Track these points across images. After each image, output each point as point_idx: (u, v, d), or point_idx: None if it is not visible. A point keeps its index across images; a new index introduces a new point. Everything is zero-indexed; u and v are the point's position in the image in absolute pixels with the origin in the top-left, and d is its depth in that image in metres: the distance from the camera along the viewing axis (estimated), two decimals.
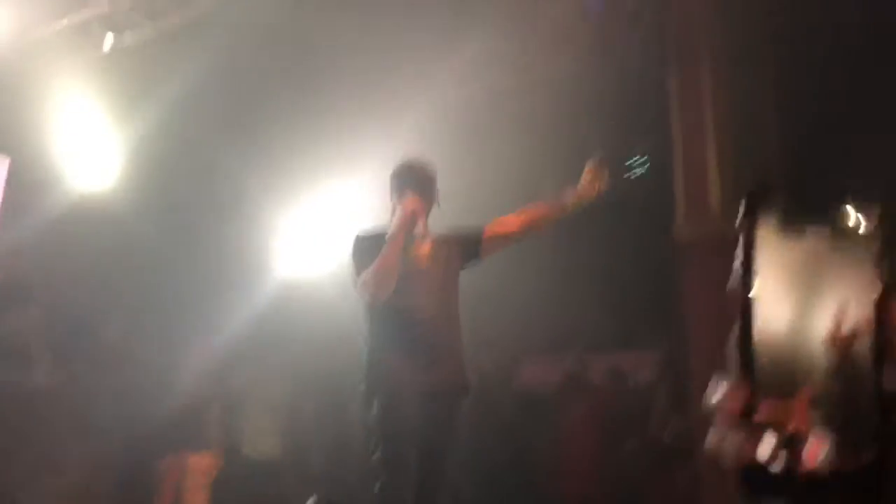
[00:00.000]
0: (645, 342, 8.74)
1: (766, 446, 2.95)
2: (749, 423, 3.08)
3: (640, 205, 8.20)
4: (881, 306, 2.94)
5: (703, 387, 6.53)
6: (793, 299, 3.34)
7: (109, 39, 7.55)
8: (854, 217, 3.13)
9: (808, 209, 3.39)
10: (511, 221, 3.70)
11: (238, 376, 7.42)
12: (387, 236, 3.40)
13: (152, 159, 8.07)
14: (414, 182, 3.56)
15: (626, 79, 7.49)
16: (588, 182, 3.66)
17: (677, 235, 7.06)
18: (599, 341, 8.84)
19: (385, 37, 7.55)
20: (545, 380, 8.29)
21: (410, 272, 3.43)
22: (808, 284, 3.31)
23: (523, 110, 8.29)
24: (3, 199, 7.86)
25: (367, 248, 3.46)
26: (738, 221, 3.36)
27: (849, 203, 3.20)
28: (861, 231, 3.16)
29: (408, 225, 3.40)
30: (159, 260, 7.76)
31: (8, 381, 5.40)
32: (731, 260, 6.36)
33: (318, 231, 7.74)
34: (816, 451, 2.83)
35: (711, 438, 3.29)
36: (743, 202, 3.27)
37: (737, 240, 6.33)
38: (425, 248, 3.55)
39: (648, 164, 8.42)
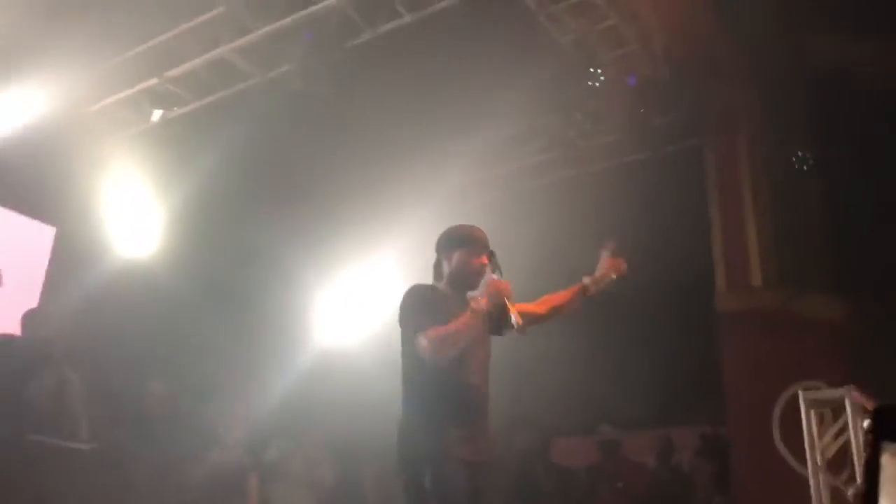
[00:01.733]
0: (687, 418, 8.56)
1: None
2: None
3: (681, 279, 8.15)
4: None
5: (744, 463, 6.47)
6: None
7: (157, 114, 7.83)
8: None
9: None
10: (533, 307, 3.66)
11: (274, 447, 7.39)
12: (472, 304, 3.34)
13: (195, 230, 8.27)
14: (491, 256, 3.51)
15: (664, 156, 7.58)
16: (606, 267, 3.66)
17: (719, 307, 6.96)
18: (639, 417, 8.66)
19: (417, 115, 7.76)
20: (581, 456, 8.11)
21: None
22: None
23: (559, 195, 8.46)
24: (50, 267, 8.08)
25: (430, 300, 3.41)
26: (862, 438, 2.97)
27: None
28: None
29: (495, 302, 3.35)
30: (201, 329, 7.86)
31: (47, 444, 5.43)
32: (772, 334, 6.39)
33: (353, 303, 7.79)
34: None
35: None
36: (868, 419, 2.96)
37: (776, 314, 6.29)
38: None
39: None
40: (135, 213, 8.18)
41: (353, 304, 7.73)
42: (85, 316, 7.04)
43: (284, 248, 8.03)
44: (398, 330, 3.46)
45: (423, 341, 3.27)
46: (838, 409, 5.70)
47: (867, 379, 5.75)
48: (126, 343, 7.47)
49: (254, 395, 7.47)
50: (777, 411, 6.07)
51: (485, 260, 3.51)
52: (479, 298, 3.37)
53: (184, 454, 6.33)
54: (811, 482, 5.56)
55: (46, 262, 8.08)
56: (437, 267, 3.64)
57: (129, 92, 7.89)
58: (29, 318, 6.10)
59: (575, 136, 7.90)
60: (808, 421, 5.69)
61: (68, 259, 8.06)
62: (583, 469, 8.03)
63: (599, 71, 7.15)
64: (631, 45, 7.22)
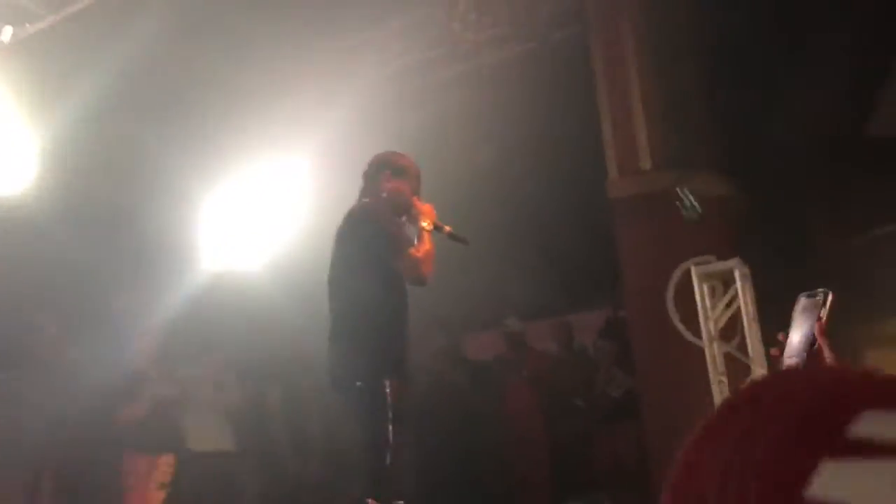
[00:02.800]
0: (589, 304, 8.88)
1: None
2: None
3: (574, 169, 8.27)
4: None
5: (644, 340, 6.78)
6: None
7: (7, 32, 7.14)
8: None
9: None
10: None
11: (181, 373, 7.23)
12: (424, 227, 3.74)
13: (66, 157, 7.72)
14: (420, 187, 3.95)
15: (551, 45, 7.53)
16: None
17: (611, 194, 7.10)
18: (543, 307, 8.92)
19: (308, 21, 7.40)
20: (491, 349, 8.33)
21: None
22: None
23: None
24: None
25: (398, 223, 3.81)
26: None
27: None
28: None
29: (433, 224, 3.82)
30: (83, 261, 7.45)
31: None
32: (663, 215, 6.59)
33: (244, 222, 7.55)
34: None
35: None
36: None
37: (666, 195, 6.47)
38: None
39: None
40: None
41: (251, 220, 7.50)
42: None
43: (174, 164, 7.64)
44: (349, 247, 3.73)
45: (411, 261, 3.62)
46: (728, 281, 6.01)
47: (753, 251, 6.06)
48: (4, 284, 7.05)
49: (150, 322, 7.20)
50: (671, 287, 6.33)
51: (418, 196, 3.89)
52: (424, 222, 3.77)
53: (83, 390, 6.09)
54: (706, 351, 5.90)
55: None
56: (372, 186, 3.91)
57: None
58: None
59: (461, 29, 7.72)
60: (700, 293, 5.98)
61: None
62: (492, 361, 8.27)
63: None
64: None
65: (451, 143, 8.12)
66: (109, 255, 7.28)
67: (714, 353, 5.88)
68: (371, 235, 3.72)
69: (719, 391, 5.68)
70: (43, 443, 5.72)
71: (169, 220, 7.79)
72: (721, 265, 6.00)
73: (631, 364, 7.03)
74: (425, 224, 3.75)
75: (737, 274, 5.86)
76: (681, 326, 6.20)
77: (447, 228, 3.80)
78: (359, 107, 7.51)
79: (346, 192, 4.17)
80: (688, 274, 6.11)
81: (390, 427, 3.53)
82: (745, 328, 5.81)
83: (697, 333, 6.00)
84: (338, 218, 3.87)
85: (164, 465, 6.16)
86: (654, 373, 6.54)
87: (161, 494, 6.02)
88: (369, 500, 3.46)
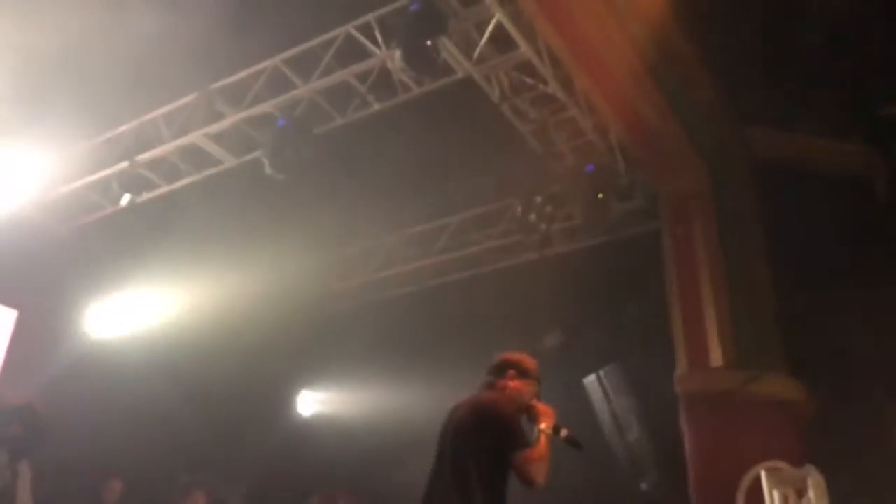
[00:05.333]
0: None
1: None
2: None
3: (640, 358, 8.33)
4: None
5: None
6: None
7: (126, 198, 7.90)
8: None
9: None
10: None
11: None
12: (542, 429, 3.87)
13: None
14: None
15: (622, 240, 7.89)
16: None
17: (680, 388, 7.08)
18: None
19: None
20: None
21: None
22: None
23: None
24: (10, 349, 7.96)
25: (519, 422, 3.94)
26: None
27: None
28: None
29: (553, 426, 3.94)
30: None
31: None
32: (732, 414, 6.50)
33: None
34: None
35: None
36: None
37: (735, 394, 6.43)
38: None
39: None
40: (102, 295, 8.18)
41: None
42: (46, 399, 6.92)
43: None
44: (470, 435, 3.87)
45: (528, 463, 3.74)
46: (801, 489, 5.80)
47: (822, 457, 5.88)
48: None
49: None
50: (741, 493, 6.13)
51: (537, 396, 4.09)
52: (542, 424, 3.91)
53: None
54: None
55: (6, 345, 7.97)
56: (498, 381, 4.12)
57: (100, 175, 7.97)
58: None
59: (535, 220, 8.15)
60: (771, 501, 5.77)
61: (30, 342, 7.96)
62: None
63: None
64: (588, 135, 7.56)
65: (518, 327, 8.31)
66: None
67: None
68: (493, 427, 3.88)
69: None
70: None
71: None
72: (794, 472, 5.82)
73: None
74: (544, 426, 3.90)
75: (810, 482, 5.67)
76: None
77: (565, 432, 3.93)
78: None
79: None
80: (758, 479, 5.93)
81: None
82: None
83: None
84: None
85: None
86: None
87: None
88: None
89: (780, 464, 5.93)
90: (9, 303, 8.08)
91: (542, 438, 3.87)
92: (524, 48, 6.51)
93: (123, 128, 7.69)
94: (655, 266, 7.69)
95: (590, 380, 8.91)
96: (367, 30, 6.68)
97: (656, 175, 7.79)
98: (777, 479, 5.85)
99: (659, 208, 7.84)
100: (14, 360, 7.88)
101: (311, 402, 11.03)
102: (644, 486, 8.94)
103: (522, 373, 4.18)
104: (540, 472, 3.77)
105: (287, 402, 10.65)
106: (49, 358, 7.61)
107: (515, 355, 4.28)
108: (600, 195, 7.58)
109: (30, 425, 5.85)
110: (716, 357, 7.01)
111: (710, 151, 7.53)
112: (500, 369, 4.21)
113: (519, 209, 8.09)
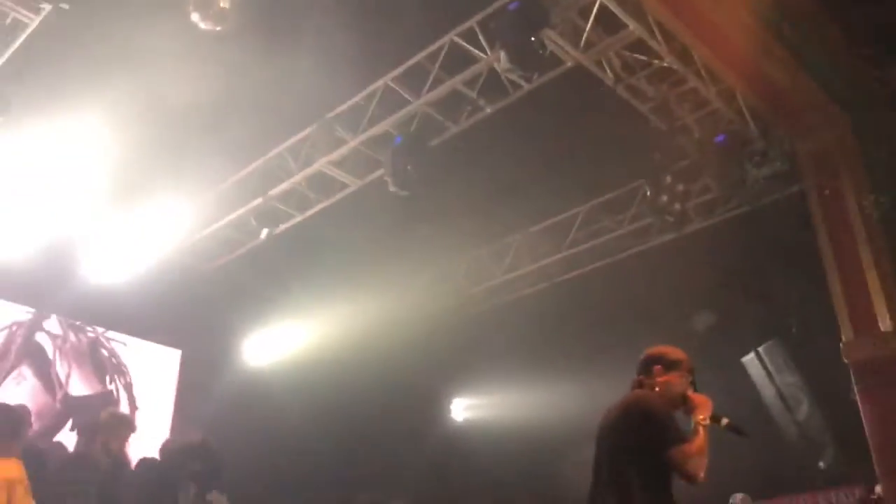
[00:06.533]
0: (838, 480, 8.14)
1: None
2: None
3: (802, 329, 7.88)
4: None
5: None
6: None
7: (265, 232, 8.27)
8: None
9: None
10: None
11: None
12: (699, 421, 3.73)
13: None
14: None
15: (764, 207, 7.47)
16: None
17: (848, 357, 6.62)
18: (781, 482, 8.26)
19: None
20: None
21: None
22: None
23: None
24: (179, 388, 8.50)
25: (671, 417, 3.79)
26: None
27: None
28: None
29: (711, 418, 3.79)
30: None
31: None
32: None
33: None
34: None
35: None
36: None
37: None
38: None
39: None
40: (254, 327, 8.60)
41: None
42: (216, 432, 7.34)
43: None
44: (622, 436, 3.73)
45: (683, 457, 3.57)
46: None
47: None
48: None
49: None
50: None
51: (692, 386, 3.91)
52: (699, 416, 3.74)
53: None
54: None
55: (175, 385, 8.51)
56: (646, 380, 3.97)
57: (237, 213, 8.37)
58: (166, 447, 6.41)
59: (667, 200, 7.85)
60: None
61: (195, 379, 8.47)
62: None
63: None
64: (713, 104, 7.21)
65: (664, 312, 8.04)
66: None
67: None
68: (644, 425, 3.82)
69: None
70: None
71: None
72: None
73: None
74: (700, 417, 3.76)
75: None
76: None
77: (725, 421, 3.77)
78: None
79: None
80: None
81: None
82: None
83: None
84: None
85: None
86: None
87: None
88: None
89: None
90: (172, 344, 8.65)
91: (700, 430, 3.69)
92: (633, 26, 6.29)
93: (253, 166, 8.05)
94: (805, 231, 7.23)
95: (749, 358, 8.52)
96: (470, 35, 6.66)
97: (793, 133, 7.33)
98: None
99: (800, 168, 7.37)
100: (183, 397, 8.41)
101: (463, 409, 11.15)
102: (822, 464, 8.45)
103: (669, 365, 4.00)
104: (700, 467, 3.59)
105: (439, 411, 10.81)
106: (213, 391, 8.06)
107: (659, 349, 4.12)
108: (736, 164, 7.23)
109: (208, 459, 6.23)
110: (884, 321, 6.51)
111: (847, 99, 6.99)
112: (646, 366, 4.06)
113: (648, 191, 7.83)
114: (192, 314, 8.28)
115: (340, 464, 8.30)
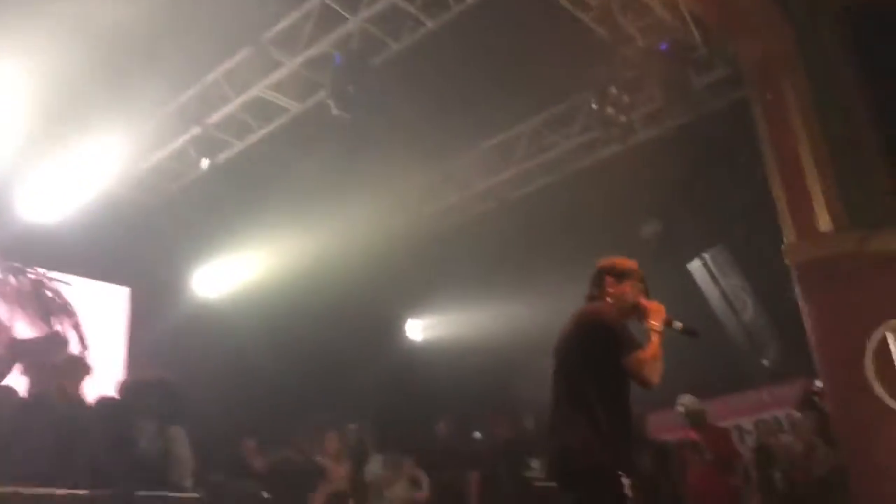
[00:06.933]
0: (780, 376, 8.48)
1: None
2: None
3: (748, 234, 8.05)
4: None
5: (845, 415, 6.31)
6: None
7: (205, 162, 8.04)
8: None
9: None
10: None
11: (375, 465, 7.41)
12: (653, 327, 3.78)
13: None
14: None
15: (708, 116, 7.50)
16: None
17: (790, 259, 6.81)
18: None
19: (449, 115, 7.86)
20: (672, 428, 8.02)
21: None
22: None
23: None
24: (130, 325, 8.37)
25: (624, 326, 3.82)
26: None
27: None
28: None
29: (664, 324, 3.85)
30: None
31: (157, 498, 5.63)
32: (850, 278, 6.22)
33: None
34: None
35: None
36: None
37: (851, 256, 6.13)
38: None
39: None
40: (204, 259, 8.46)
41: None
42: (172, 368, 7.30)
43: None
44: (576, 348, 3.77)
45: (641, 364, 3.63)
46: None
47: None
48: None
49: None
50: (868, 354, 5.92)
51: (644, 294, 3.95)
52: (652, 322, 3.80)
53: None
54: None
55: (126, 322, 8.38)
56: (597, 292, 4.00)
57: (176, 144, 8.12)
58: (123, 387, 6.36)
59: (613, 112, 7.83)
60: None
61: (145, 315, 8.35)
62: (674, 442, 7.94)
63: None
64: (657, 12, 7.13)
65: (613, 222, 8.12)
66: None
67: None
68: (598, 336, 3.80)
69: None
70: None
71: None
72: None
73: (829, 434, 6.57)
74: (654, 323, 3.82)
75: None
76: (884, 394, 5.76)
77: (678, 325, 3.84)
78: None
79: None
80: (885, 339, 5.71)
81: None
82: None
83: None
84: None
85: None
86: (859, 444, 6.06)
87: None
88: None
89: None
90: (119, 281, 8.47)
91: (654, 337, 3.77)
92: None
93: (189, 93, 7.75)
94: (748, 137, 7.31)
95: (695, 265, 8.71)
96: None
97: (736, 39, 7.30)
98: None
99: (743, 74, 7.39)
100: (135, 335, 8.30)
101: (420, 330, 11.25)
102: (766, 361, 8.79)
103: (620, 275, 4.03)
104: (655, 372, 3.68)
105: (396, 332, 10.90)
106: (165, 326, 7.96)
107: (609, 260, 4.12)
108: (678, 72, 7.21)
109: (166, 396, 6.21)
110: (824, 222, 6.67)
111: (791, 8, 6.99)
112: (598, 279, 4.08)
113: (594, 103, 7.79)
114: (138, 250, 8.07)
115: (298, 389, 8.31)
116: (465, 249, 9.40)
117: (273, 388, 8.17)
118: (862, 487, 5.97)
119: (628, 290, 3.99)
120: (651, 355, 3.69)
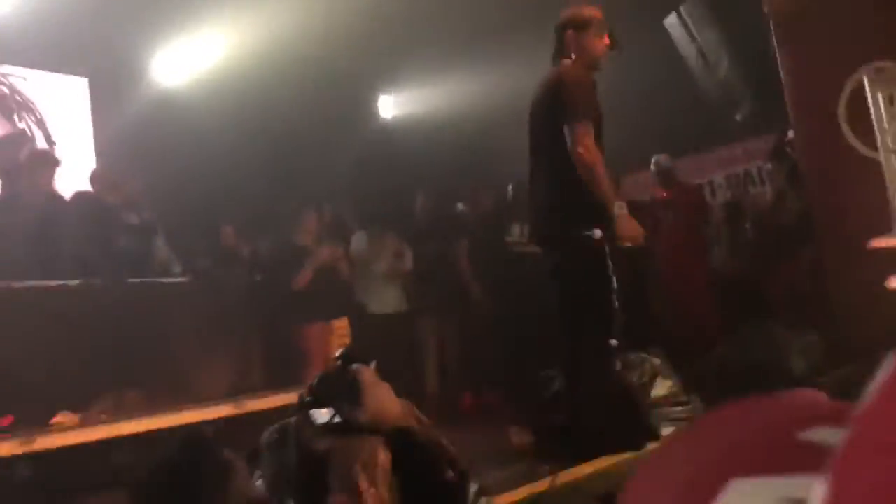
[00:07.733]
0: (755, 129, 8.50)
1: None
2: None
3: None
4: None
5: (815, 164, 6.41)
6: None
7: None
8: None
9: None
10: None
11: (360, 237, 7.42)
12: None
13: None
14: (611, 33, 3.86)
15: None
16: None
17: (768, 7, 6.59)
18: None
19: None
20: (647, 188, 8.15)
21: None
22: None
23: None
24: (94, 117, 8.15)
25: (593, 95, 3.65)
26: None
27: None
28: None
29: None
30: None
31: (147, 283, 5.76)
32: (828, 22, 6.05)
33: None
34: None
35: None
36: None
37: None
38: None
39: None
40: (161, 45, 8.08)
41: None
42: (140, 157, 7.21)
43: None
44: (546, 113, 3.69)
45: (581, 136, 3.50)
46: None
47: None
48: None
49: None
50: (843, 100, 5.90)
51: (608, 39, 3.71)
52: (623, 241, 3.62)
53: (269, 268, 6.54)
54: (884, 164, 5.53)
55: (88, 114, 8.15)
56: (561, 48, 3.76)
57: None
58: (96, 179, 6.29)
59: None
60: (875, 103, 5.53)
61: (107, 106, 8.10)
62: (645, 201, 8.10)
63: None
64: None
65: None
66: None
67: (893, 165, 5.48)
68: (559, 99, 3.63)
69: None
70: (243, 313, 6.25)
71: None
72: None
73: (800, 181, 6.74)
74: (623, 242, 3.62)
75: None
76: (855, 141, 5.81)
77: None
78: None
79: None
80: (861, 84, 5.64)
81: (609, 272, 3.62)
82: None
83: (873, 147, 5.60)
84: None
85: (340, 328, 6.50)
86: (828, 193, 6.22)
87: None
88: (612, 341, 3.66)
89: (885, 64, 5.60)
90: (76, 72, 8.12)
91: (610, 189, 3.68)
92: None
93: None
94: None
95: (671, 21, 8.42)
96: None
97: None
98: (882, 81, 5.55)
99: None
100: (99, 125, 8.09)
101: (391, 105, 11.03)
102: (738, 116, 8.78)
103: (581, 26, 3.75)
104: (595, 161, 3.54)
105: (367, 110, 10.68)
106: (129, 115, 7.76)
107: (568, 11, 3.81)
108: None
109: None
110: None
111: None
112: (559, 35, 3.83)
113: None
114: (91, 38, 7.65)
115: (271, 172, 8.26)
116: (433, 22, 8.96)
117: (245, 175, 8.10)
118: (825, 229, 6.22)
119: (591, 42, 3.74)
120: (596, 158, 3.54)
